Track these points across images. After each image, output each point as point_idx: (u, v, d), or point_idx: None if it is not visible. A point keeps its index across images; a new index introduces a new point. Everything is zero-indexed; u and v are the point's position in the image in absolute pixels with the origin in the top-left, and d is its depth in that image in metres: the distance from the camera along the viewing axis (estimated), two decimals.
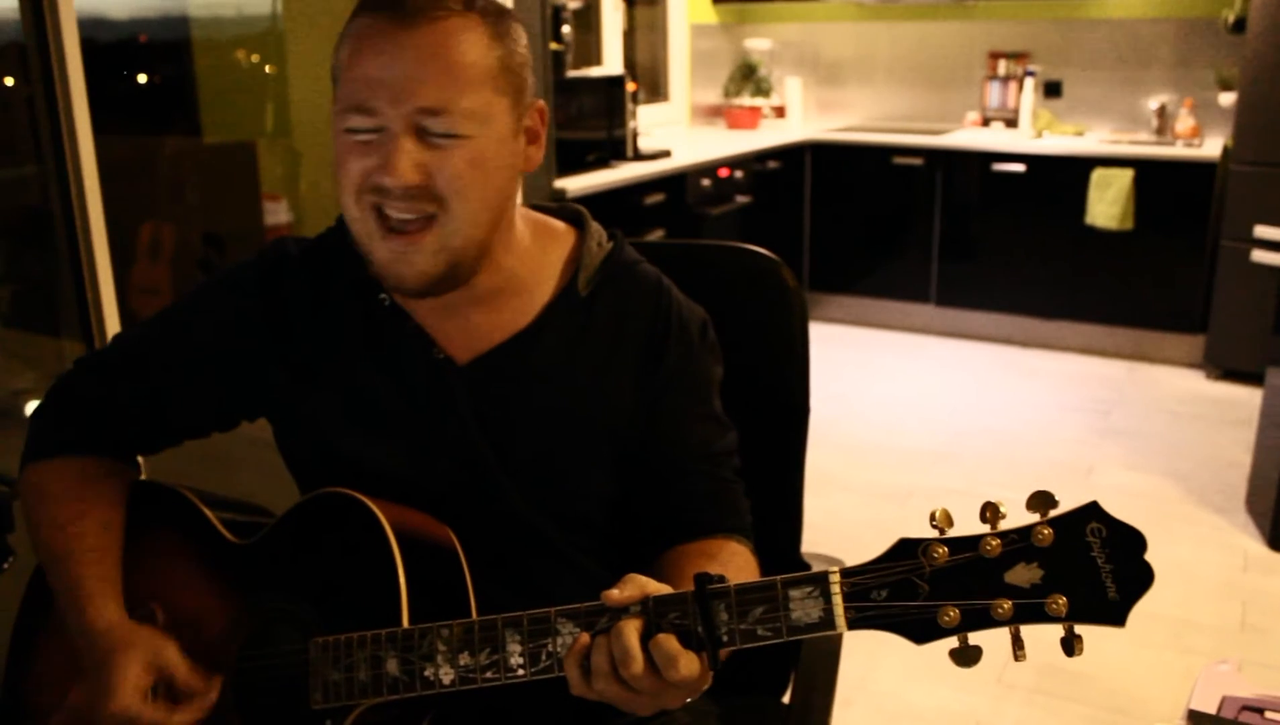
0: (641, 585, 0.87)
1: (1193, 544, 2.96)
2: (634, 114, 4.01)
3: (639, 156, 3.98)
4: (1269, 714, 1.11)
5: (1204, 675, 1.17)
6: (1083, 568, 0.77)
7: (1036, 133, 4.65)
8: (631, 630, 0.84)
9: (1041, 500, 0.77)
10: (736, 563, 1.05)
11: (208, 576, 1.10)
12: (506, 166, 1.02)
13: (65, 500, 1.11)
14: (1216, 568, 2.83)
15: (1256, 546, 2.94)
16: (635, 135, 4.03)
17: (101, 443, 1.16)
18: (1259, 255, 3.91)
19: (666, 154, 4.04)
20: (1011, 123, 4.84)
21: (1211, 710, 1.12)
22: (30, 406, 2.60)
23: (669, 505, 1.10)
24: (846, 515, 3.15)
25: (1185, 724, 1.11)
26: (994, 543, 0.78)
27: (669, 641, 0.83)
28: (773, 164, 4.69)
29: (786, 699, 1.34)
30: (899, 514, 3.18)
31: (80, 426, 1.16)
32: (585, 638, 0.87)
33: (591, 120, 3.84)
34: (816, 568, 1.32)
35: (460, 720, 1.02)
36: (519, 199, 1.10)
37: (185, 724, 0.99)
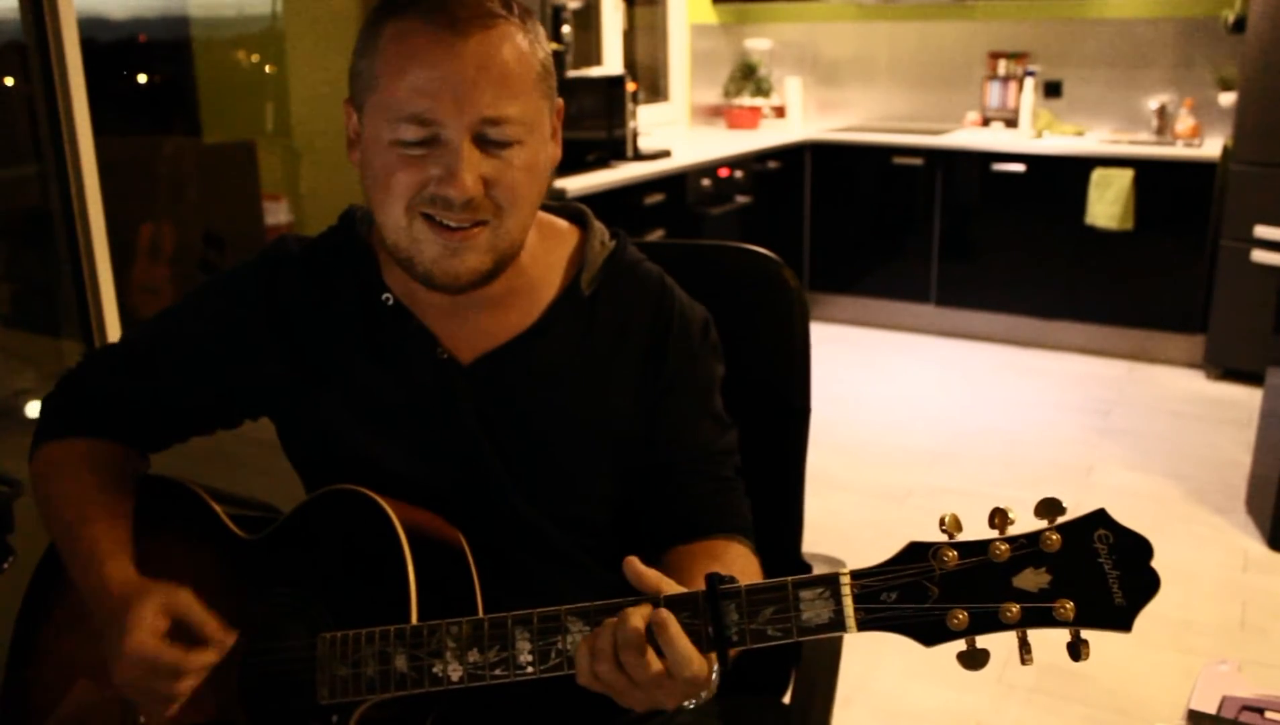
0: (661, 578, 0.87)
1: (1193, 544, 2.97)
2: (634, 114, 4.01)
3: (639, 156, 3.98)
4: (1269, 714, 1.12)
5: (1204, 675, 1.17)
6: (1090, 574, 0.78)
7: (1036, 133, 4.65)
8: (638, 616, 0.84)
9: (1049, 507, 0.78)
10: (740, 564, 1.06)
11: (216, 571, 1.10)
12: (547, 169, 1.04)
13: (78, 474, 1.12)
14: (1216, 568, 2.84)
15: (1256, 546, 2.94)
16: (635, 135, 4.03)
17: (110, 430, 1.17)
18: (1259, 255, 3.92)
19: (666, 154, 4.04)
20: (1011, 123, 4.84)
21: (1211, 710, 1.13)
22: (31, 406, 2.61)
23: (670, 505, 1.10)
24: (846, 515, 3.15)
25: (1185, 724, 1.11)
26: (1003, 547, 0.79)
27: (682, 641, 0.83)
28: (773, 164, 4.70)
29: (787, 699, 1.34)
30: (899, 514, 3.18)
31: (90, 414, 1.16)
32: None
33: (591, 120, 3.84)
34: (817, 568, 1.33)
35: (464, 718, 1.02)
36: None
37: (203, 664, 0.98)
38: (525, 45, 0.98)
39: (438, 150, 0.96)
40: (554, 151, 1.06)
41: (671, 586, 0.87)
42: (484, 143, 0.96)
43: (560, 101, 1.07)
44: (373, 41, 0.98)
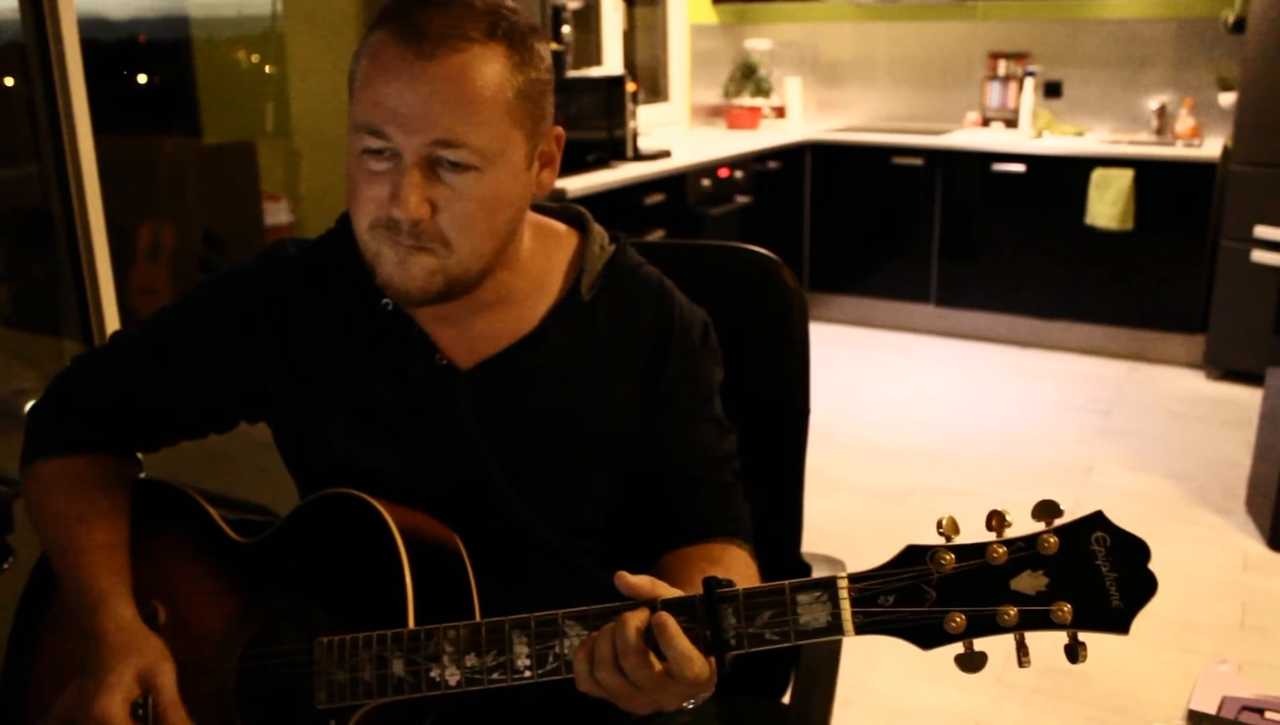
0: (654, 583, 0.87)
1: (1193, 544, 2.97)
2: (634, 114, 4.01)
3: (639, 156, 3.98)
4: (1269, 714, 1.11)
5: (1204, 675, 1.17)
6: (1087, 576, 0.78)
7: (1036, 133, 4.65)
8: (636, 620, 0.84)
9: (1047, 509, 0.78)
10: (738, 568, 1.06)
11: (212, 575, 1.10)
12: (517, 199, 1.01)
13: (70, 497, 1.12)
14: (1216, 568, 2.84)
15: (1256, 546, 2.94)
16: (635, 135, 4.03)
17: (101, 440, 1.16)
18: (1259, 255, 3.92)
19: (666, 154, 4.04)
20: (1011, 123, 4.84)
21: (1211, 710, 1.12)
22: (30, 406, 2.60)
23: (670, 509, 1.10)
24: (846, 515, 3.15)
25: (1185, 724, 1.11)
26: (1000, 550, 0.79)
27: (682, 640, 0.83)
28: (773, 164, 4.69)
29: (786, 699, 1.34)
30: (899, 514, 3.18)
31: (80, 424, 1.16)
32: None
33: (591, 120, 3.84)
34: (817, 568, 1.33)
35: (462, 722, 1.02)
36: None
37: None
38: (498, 71, 0.95)
39: (394, 168, 0.96)
40: (543, 179, 1.05)
41: (666, 589, 0.87)
42: (437, 164, 0.95)
43: (558, 130, 1.04)
44: (361, 50, 0.98)
